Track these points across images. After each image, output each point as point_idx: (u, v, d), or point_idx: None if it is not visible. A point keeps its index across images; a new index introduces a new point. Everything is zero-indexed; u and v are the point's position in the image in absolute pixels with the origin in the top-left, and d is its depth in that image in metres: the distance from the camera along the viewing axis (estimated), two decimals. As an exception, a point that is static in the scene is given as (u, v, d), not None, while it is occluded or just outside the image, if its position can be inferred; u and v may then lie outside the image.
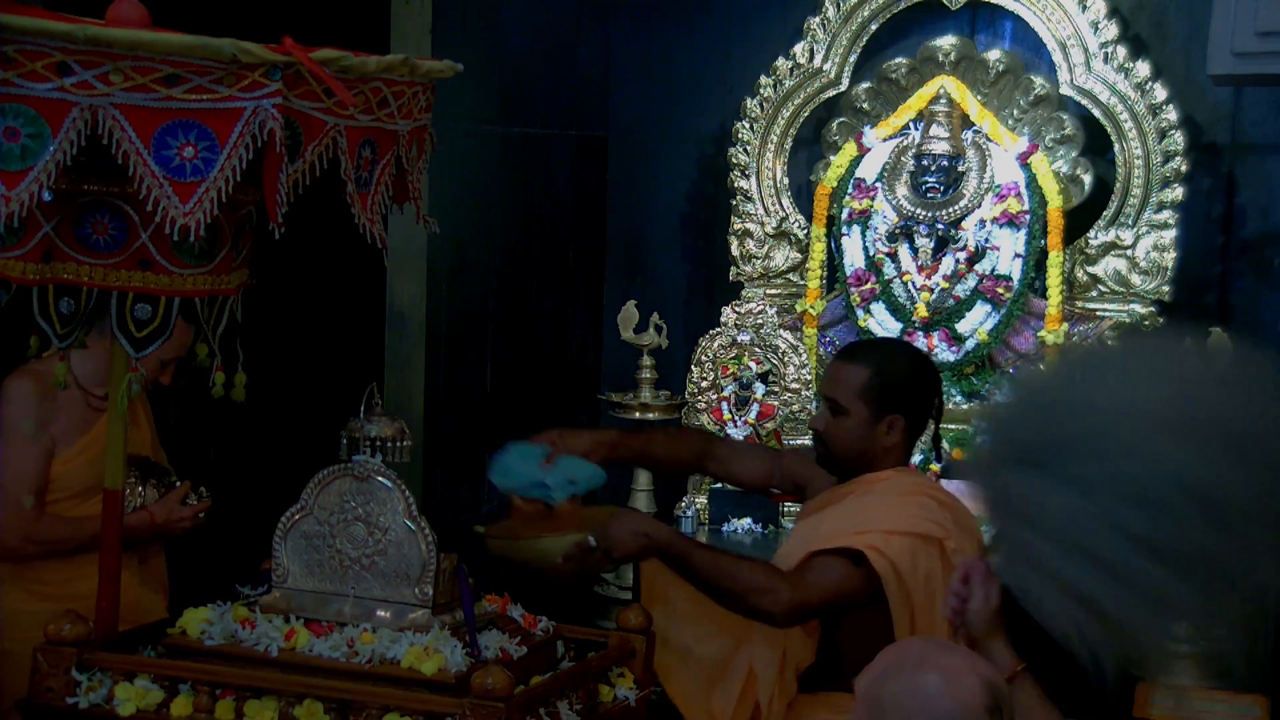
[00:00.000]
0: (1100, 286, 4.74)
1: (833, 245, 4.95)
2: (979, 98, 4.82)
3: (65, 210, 2.67)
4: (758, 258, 5.08)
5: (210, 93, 2.48)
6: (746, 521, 4.70)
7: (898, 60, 4.95)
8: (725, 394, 4.82)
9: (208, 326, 2.80)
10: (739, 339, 4.85)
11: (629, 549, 2.92)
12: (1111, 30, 4.71)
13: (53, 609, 2.97)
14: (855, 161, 4.92)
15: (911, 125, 4.90)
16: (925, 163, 4.80)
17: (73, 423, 3.58)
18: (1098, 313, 4.72)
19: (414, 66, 2.77)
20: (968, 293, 4.77)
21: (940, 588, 2.83)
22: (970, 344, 4.77)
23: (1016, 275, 4.73)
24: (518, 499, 3.11)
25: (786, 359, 4.78)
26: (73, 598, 3.18)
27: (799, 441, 4.60)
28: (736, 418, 4.78)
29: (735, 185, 5.11)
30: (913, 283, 4.81)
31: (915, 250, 4.83)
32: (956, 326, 4.77)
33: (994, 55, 4.85)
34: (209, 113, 2.49)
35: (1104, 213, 4.78)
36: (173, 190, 2.48)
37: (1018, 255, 4.73)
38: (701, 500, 4.78)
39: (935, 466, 3.95)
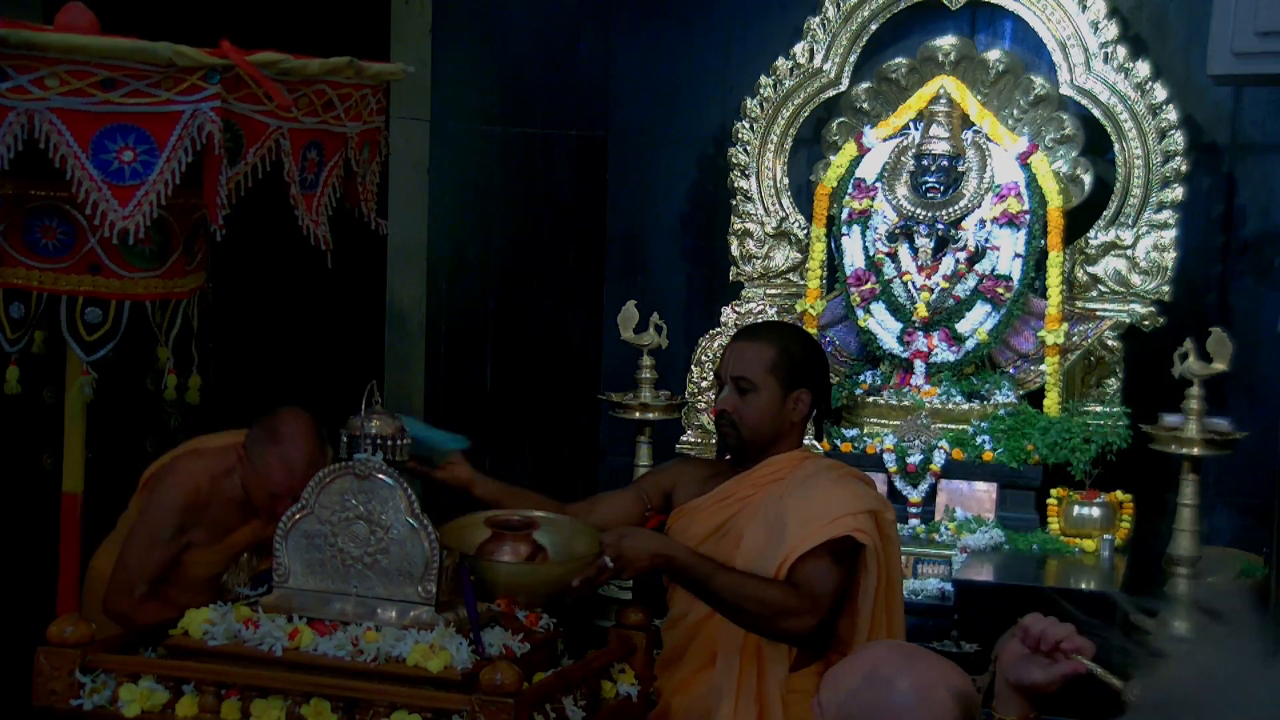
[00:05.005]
0: (1100, 286, 4.75)
1: (833, 245, 4.95)
2: (979, 98, 4.82)
3: (13, 215, 2.66)
4: (758, 258, 5.09)
5: (148, 96, 2.48)
6: None
7: (898, 60, 4.95)
8: (725, 394, 4.81)
9: (160, 330, 2.79)
10: (739, 339, 4.85)
11: (643, 567, 2.90)
12: (1111, 30, 4.72)
13: None
14: (855, 161, 4.92)
15: (911, 125, 4.90)
16: (925, 163, 4.80)
17: (218, 522, 3.49)
18: (1098, 312, 4.73)
19: (360, 69, 2.77)
20: (968, 292, 4.77)
21: (883, 555, 3.00)
22: (970, 344, 4.77)
23: (1016, 275, 4.73)
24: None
25: (787, 359, 4.77)
26: None
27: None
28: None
29: (735, 185, 5.11)
30: (913, 282, 4.81)
31: (915, 250, 4.82)
32: (956, 326, 4.77)
33: (994, 55, 4.86)
34: (147, 116, 2.49)
35: (1104, 213, 4.79)
36: (111, 194, 2.48)
37: (1018, 255, 4.73)
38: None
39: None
